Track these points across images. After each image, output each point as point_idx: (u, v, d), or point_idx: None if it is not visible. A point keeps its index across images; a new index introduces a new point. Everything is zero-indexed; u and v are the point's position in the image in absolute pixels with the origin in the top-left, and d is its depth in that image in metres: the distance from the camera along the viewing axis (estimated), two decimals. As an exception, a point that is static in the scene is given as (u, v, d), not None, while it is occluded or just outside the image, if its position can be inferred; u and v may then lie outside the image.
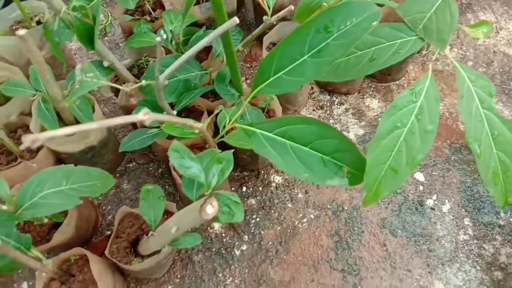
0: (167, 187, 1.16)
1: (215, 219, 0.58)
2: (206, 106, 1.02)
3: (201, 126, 0.62)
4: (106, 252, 0.85)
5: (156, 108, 0.88)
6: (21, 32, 0.69)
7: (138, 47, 1.04)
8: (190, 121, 0.59)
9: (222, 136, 0.73)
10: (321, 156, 0.61)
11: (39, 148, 0.98)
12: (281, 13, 0.74)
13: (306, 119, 0.62)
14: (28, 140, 0.32)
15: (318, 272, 1.05)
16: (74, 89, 0.64)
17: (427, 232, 1.13)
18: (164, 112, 0.73)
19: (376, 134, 0.60)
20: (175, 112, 0.73)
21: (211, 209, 0.57)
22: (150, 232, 0.76)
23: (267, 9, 0.77)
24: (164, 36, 0.61)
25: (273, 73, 0.64)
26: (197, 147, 1.02)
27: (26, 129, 1.01)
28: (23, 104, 1.00)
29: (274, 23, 0.80)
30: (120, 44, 1.52)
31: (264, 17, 0.78)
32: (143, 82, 0.74)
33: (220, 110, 0.80)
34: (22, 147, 0.33)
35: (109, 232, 1.07)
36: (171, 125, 0.72)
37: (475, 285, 1.04)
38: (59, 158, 1.00)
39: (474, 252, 1.09)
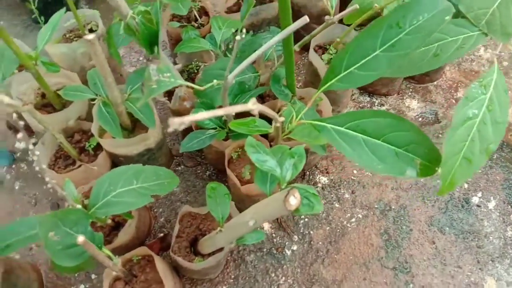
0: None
1: (296, 211, 0.60)
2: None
3: (283, 119, 0.64)
4: (170, 251, 0.87)
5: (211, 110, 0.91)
6: (90, 36, 0.72)
7: (188, 53, 1.07)
8: (275, 115, 0.61)
9: (289, 132, 0.75)
10: (394, 148, 0.63)
11: (97, 152, 1.01)
12: (344, 13, 0.77)
13: (379, 112, 0.64)
14: (175, 123, 0.34)
15: (369, 270, 1.05)
16: (151, 89, 0.67)
17: (474, 229, 1.13)
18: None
19: (452, 125, 0.62)
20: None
21: (294, 200, 0.58)
22: (218, 228, 0.78)
23: (330, 9, 0.80)
24: (243, 35, 0.63)
25: (344, 68, 0.66)
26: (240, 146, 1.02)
27: (83, 133, 1.04)
28: (81, 109, 1.03)
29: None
30: (164, 50, 1.55)
31: (326, 17, 0.80)
32: (207, 84, 0.77)
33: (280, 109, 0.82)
34: (169, 130, 0.35)
35: (161, 234, 1.09)
36: (237, 122, 0.75)
37: (528, 281, 1.04)
38: (115, 162, 1.03)
39: (524, 249, 1.09)
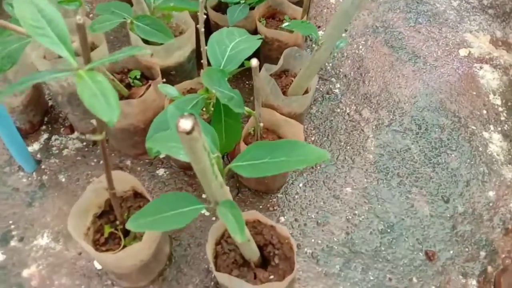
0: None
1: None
2: None
3: None
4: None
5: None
6: None
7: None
8: None
9: None
10: None
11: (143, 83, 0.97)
12: None
13: None
14: None
15: (395, 68, 1.26)
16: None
17: (434, 12, 1.42)
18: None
19: None
20: None
21: None
22: (315, 47, 0.84)
23: None
24: None
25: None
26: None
27: (117, 74, 0.98)
28: (105, 50, 0.96)
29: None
30: None
31: None
32: None
33: None
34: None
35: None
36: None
37: None
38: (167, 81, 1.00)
39: None
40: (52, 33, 0.45)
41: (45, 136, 1.07)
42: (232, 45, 0.77)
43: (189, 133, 0.41)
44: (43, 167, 1.03)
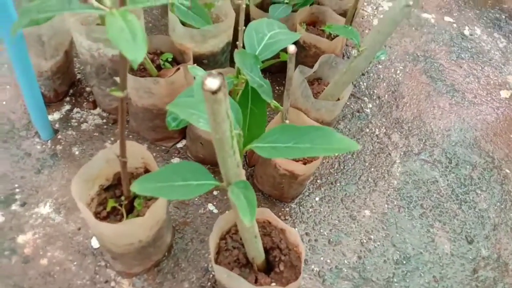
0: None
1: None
2: None
3: None
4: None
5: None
6: None
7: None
8: None
9: None
10: None
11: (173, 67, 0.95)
12: None
13: None
14: None
15: (432, 99, 1.21)
16: None
17: (478, 50, 1.37)
18: None
19: None
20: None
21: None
22: (354, 53, 0.81)
23: None
24: None
25: None
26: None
27: (150, 54, 0.96)
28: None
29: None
30: None
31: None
32: None
33: None
34: None
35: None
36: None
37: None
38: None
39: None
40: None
41: (67, 107, 1.05)
42: (270, 34, 0.75)
43: (214, 92, 0.37)
44: (59, 137, 1.01)
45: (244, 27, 0.73)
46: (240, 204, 0.48)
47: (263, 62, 0.73)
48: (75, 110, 1.05)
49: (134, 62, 0.39)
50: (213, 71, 0.38)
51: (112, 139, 1.02)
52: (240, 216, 0.46)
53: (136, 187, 0.48)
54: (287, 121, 0.78)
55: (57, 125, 1.02)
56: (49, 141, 1.00)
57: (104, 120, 1.04)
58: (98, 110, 1.06)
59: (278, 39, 0.74)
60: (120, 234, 0.65)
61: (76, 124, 1.03)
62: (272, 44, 0.73)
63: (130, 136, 1.02)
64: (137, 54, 0.39)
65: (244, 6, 0.71)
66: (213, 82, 0.37)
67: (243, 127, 0.74)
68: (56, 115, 1.04)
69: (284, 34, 0.76)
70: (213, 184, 0.51)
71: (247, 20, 1.13)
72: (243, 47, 0.73)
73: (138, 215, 0.72)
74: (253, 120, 0.74)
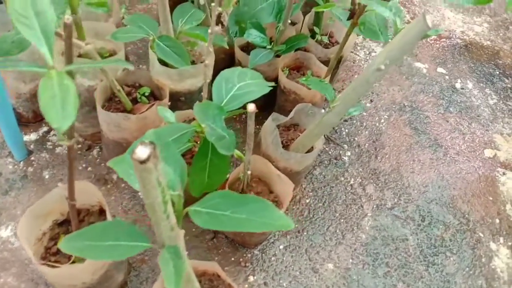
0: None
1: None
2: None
3: None
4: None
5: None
6: None
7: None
8: None
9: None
10: None
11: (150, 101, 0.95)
12: None
13: None
14: None
15: (413, 153, 1.20)
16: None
17: (468, 105, 1.37)
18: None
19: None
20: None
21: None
22: (327, 108, 0.80)
23: None
24: None
25: None
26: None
27: (128, 86, 0.97)
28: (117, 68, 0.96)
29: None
30: None
31: None
32: None
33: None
34: None
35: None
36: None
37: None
38: (174, 107, 0.98)
39: None
40: (37, 26, 0.44)
41: (45, 129, 1.06)
42: (240, 85, 0.75)
43: (143, 162, 0.37)
44: (32, 158, 1.01)
45: (208, 80, 0.73)
46: (167, 271, 0.47)
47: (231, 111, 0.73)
48: (52, 132, 1.05)
49: (58, 130, 0.39)
50: (146, 140, 0.37)
51: (84, 165, 1.02)
52: (165, 283, 0.46)
53: (63, 245, 0.47)
54: (249, 172, 0.78)
55: (32, 146, 1.03)
56: (21, 162, 1.00)
57: (80, 146, 1.05)
58: (74, 135, 1.06)
59: (247, 90, 0.74)
60: (61, 277, 0.64)
61: (51, 147, 1.03)
62: (240, 96, 0.73)
63: (102, 164, 1.02)
64: (63, 123, 0.39)
65: (207, 63, 0.71)
66: (143, 151, 0.37)
67: (202, 178, 0.73)
68: (32, 136, 1.04)
69: (255, 86, 0.76)
70: (145, 246, 0.50)
71: (232, 61, 1.14)
72: (210, 98, 0.73)
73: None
74: (213, 169, 0.74)
